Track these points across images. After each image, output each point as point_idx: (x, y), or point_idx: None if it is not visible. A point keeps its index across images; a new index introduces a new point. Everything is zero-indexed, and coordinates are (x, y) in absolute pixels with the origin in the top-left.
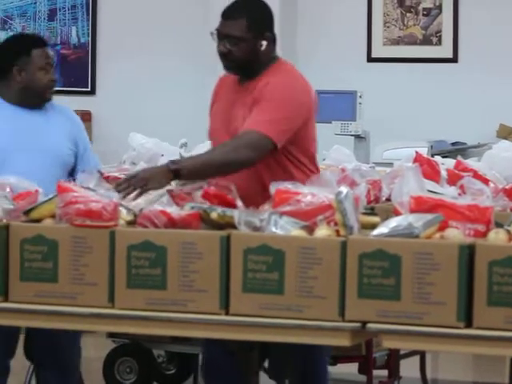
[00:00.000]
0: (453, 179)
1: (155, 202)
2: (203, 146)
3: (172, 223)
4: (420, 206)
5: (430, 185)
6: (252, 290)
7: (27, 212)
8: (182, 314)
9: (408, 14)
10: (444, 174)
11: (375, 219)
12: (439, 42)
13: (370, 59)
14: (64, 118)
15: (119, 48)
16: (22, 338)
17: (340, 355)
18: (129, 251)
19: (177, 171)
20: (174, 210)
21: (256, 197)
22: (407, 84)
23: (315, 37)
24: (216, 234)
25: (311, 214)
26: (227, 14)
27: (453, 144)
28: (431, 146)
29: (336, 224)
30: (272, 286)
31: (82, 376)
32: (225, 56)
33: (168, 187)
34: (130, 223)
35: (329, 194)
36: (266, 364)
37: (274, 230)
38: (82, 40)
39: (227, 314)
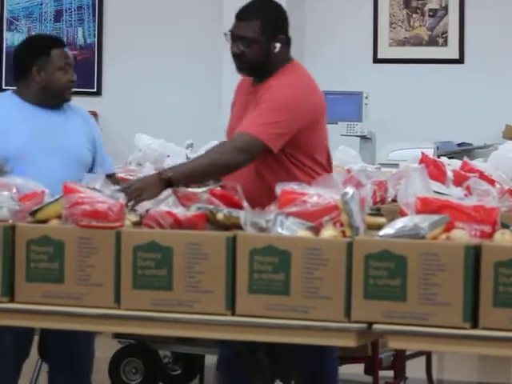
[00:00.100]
0: (459, 180)
1: (162, 202)
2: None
3: (178, 224)
4: (426, 206)
5: (436, 186)
6: (258, 290)
7: (33, 213)
8: (187, 314)
9: (414, 15)
10: (450, 174)
11: (381, 220)
12: (445, 43)
13: (376, 60)
14: (81, 118)
15: (125, 49)
16: (35, 338)
17: (346, 356)
18: (135, 252)
19: (168, 179)
20: (179, 211)
21: (262, 198)
22: (413, 85)
23: (322, 38)
24: (222, 235)
25: (317, 214)
26: (241, 16)
27: (459, 145)
28: (437, 147)
29: (342, 225)
30: (278, 287)
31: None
32: (238, 57)
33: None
34: (136, 224)
35: (335, 195)
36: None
37: (279, 230)
38: (88, 41)
39: (233, 314)
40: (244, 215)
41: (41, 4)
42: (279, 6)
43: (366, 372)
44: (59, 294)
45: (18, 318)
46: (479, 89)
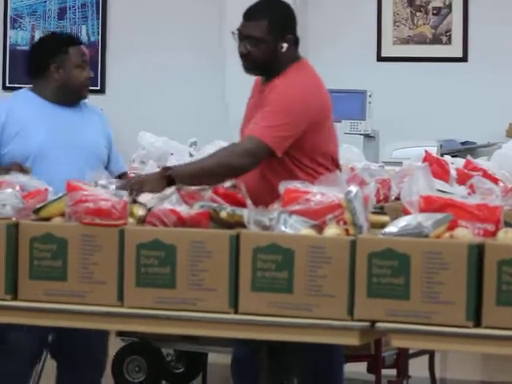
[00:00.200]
0: (462, 178)
1: (166, 199)
2: (212, 146)
3: (181, 222)
4: (429, 205)
5: (439, 184)
6: (261, 288)
7: (37, 210)
8: (190, 312)
9: (418, 14)
10: (453, 173)
11: (384, 218)
12: (449, 42)
13: (380, 58)
14: (96, 116)
15: (129, 47)
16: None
17: (349, 354)
18: (138, 250)
19: (171, 177)
20: (183, 209)
21: (265, 197)
22: (417, 83)
23: (326, 36)
24: (225, 233)
25: (320, 213)
26: (249, 15)
27: (462, 143)
28: (441, 146)
29: (345, 223)
30: (281, 285)
31: None
32: (245, 57)
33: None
34: (141, 218)
35: (338, 193)
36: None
37: (283, 229)
38: (92, 39)
39: (236, 312)
40: (247, 213)
41: (44, 2)
42: (287, 6)
43: (369, 370)
44: (62, 291)
45: (21, 315)
46: (483, 87)
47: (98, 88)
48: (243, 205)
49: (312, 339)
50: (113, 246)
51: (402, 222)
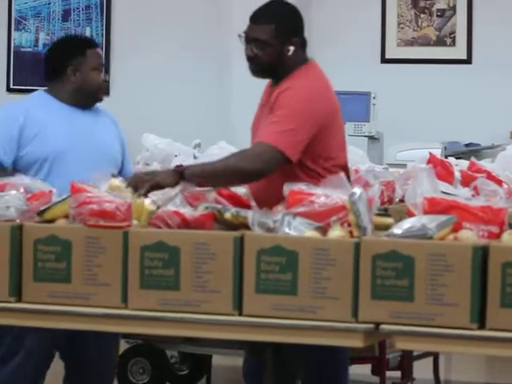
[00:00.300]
0: (466, 180)
1: (171, 200)
2: (216, 148)
3: (185, 224)
4: (433, 207)
5: (443, 186)
6: (265, 290)
7: (41, 212)
8: (195, 314)
9: (422, 15)
10: (458, 175)
11: (389, 220)
12: (453, 43)
13: (384, 60)
14: (109, 119)
15: (133, 49)
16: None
17: (353, 356)
18: (142, 252)
19: (182, 172)
20: (187, 211)
21: (269, 199)
22: (421, 85)
23: (329, 38)
24: (229, 235)
25: (325, 215)
26: (255, 18)
27: (466, 145)
28: (445, 148)
29: (349, 225)
30: (285, 287)
31: None
32: (251, 60)
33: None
34: (151, 213)
35: (342, 195)
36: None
37: (287, 230)
38: (96, 40)
39: (240, 314)
40: (252, 215)
41: (49, 3)
42: (294, 9)
43: (373, 372)
44: (66, 293)
45: (25, 317)
46: (487, 89)
47: None
48: (247, 206)
49: (316, 341)
50: (117, 248)
51: (406, 223)
